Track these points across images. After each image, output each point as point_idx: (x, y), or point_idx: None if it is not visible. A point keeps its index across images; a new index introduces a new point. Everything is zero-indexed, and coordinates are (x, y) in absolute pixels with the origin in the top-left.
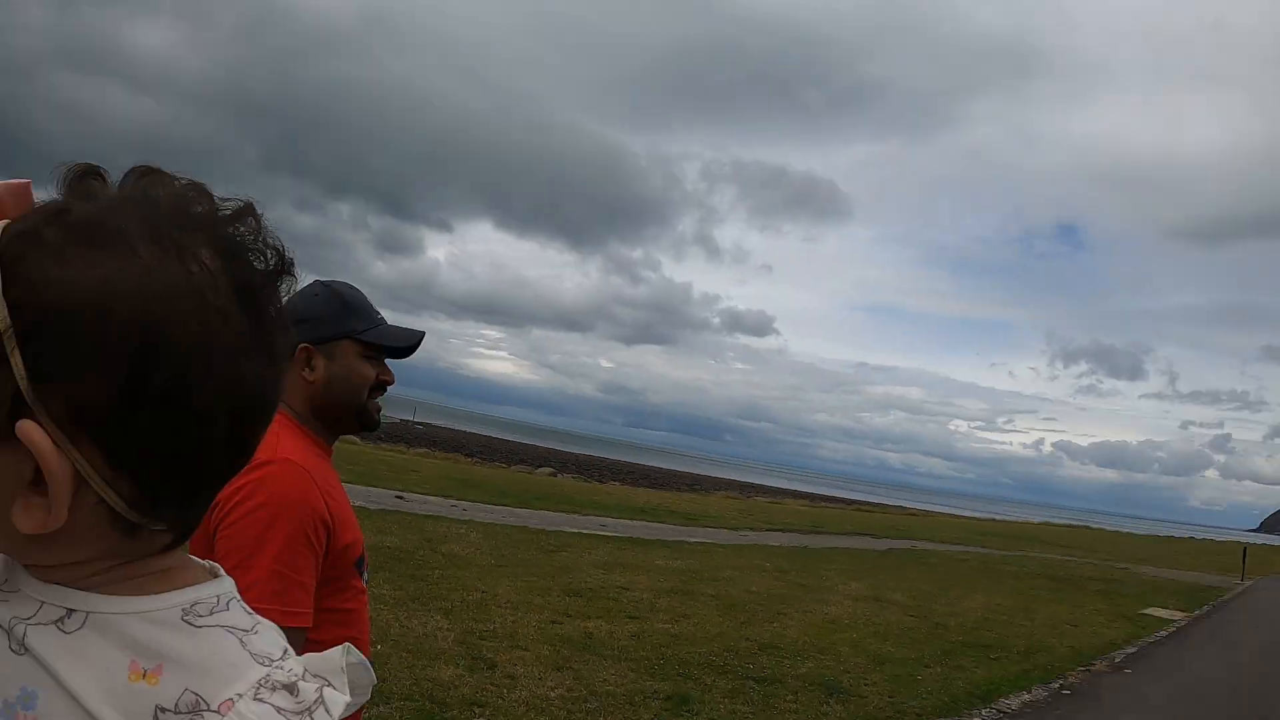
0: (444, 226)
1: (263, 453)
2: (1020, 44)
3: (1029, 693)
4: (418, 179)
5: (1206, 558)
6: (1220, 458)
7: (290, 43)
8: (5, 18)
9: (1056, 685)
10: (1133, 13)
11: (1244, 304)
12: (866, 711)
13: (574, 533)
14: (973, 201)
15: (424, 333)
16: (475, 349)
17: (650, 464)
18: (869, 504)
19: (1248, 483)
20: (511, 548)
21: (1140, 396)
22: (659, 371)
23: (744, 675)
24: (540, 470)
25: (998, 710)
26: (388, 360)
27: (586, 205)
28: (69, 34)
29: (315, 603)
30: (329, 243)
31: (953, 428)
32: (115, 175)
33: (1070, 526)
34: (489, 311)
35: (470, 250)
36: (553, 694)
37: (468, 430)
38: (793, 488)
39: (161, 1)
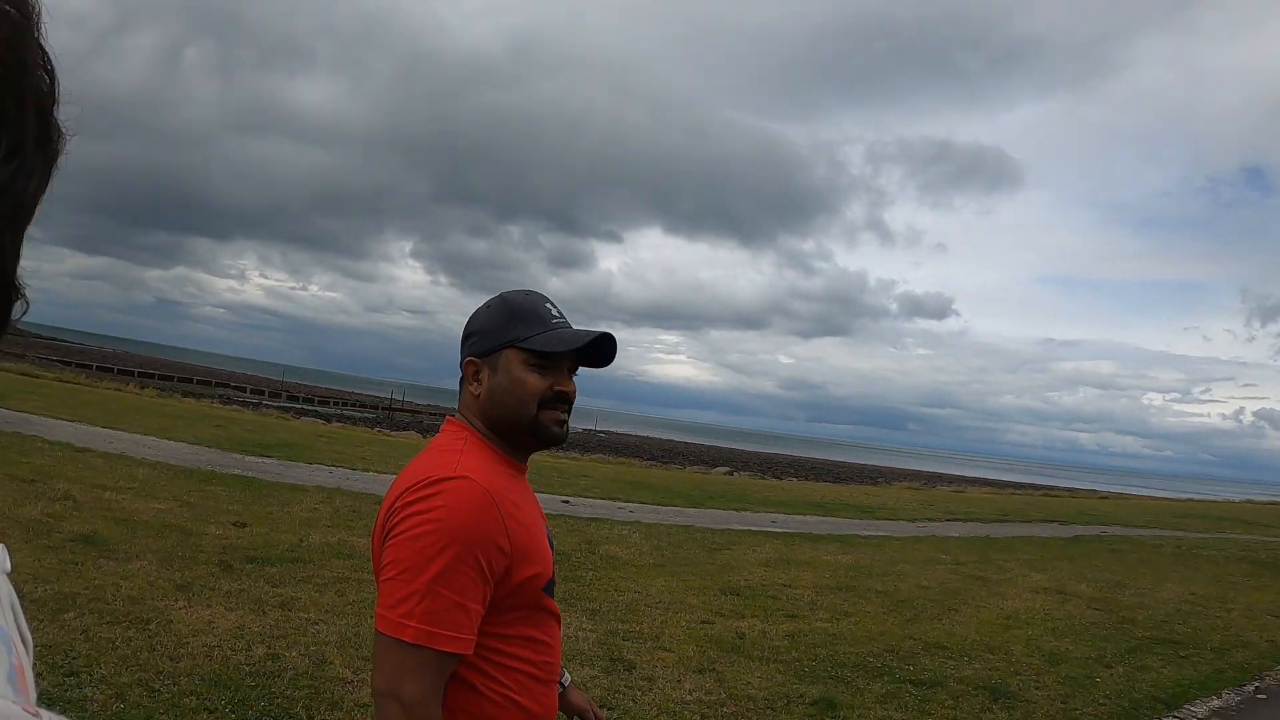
0: (614, 237)
1: (443, 469)
2: None
3: (1219, 697)
4: (583, 194)
5: None
6: None
7: (444, 80)
8: (177, 93)
9: (1251, 688)
10: None
11: None
12: (1033, 718)
13: (742, 530)
14: (1150, 153)
15: (604, 332)
16: (654, 355)
17: (831, 458)
18: (1059, 489)
19: None
20: (674, 548)
21: None
22: (839, 363)
23: (902, 678)
24: (716, 470)
25: (1181, 717)
26: (585, 368)
27: (753, 201)
28: (235, 100)
29: (505, 628)
30: (503, 264)
31: (1147, 401)
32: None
33: (1276, 503)
34: (665, 317)
35: (642, 258)
36: (689, 697)
37: (648, 435)
38: (979, 475)
39: (316, 59)
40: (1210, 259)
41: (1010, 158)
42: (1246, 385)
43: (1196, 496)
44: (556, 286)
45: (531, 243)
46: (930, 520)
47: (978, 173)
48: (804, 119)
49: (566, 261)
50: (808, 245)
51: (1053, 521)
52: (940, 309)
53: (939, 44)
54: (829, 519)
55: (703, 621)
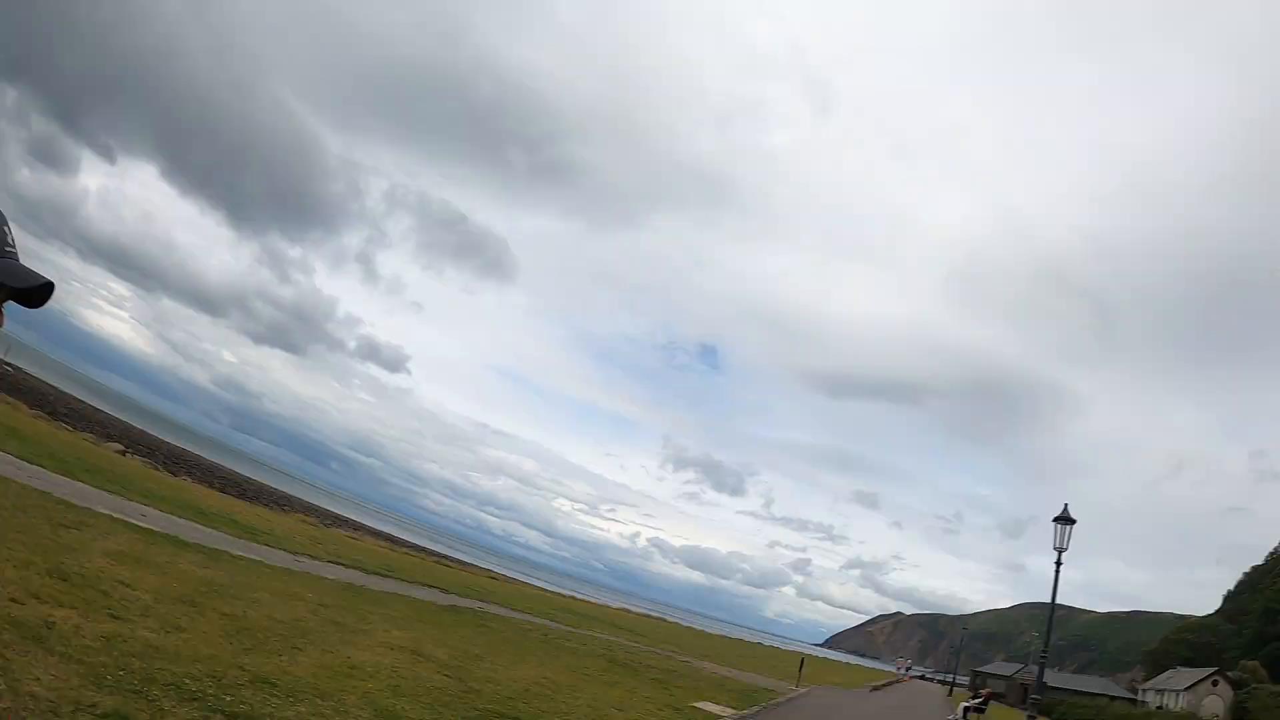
0: (108, 155)
1: None
2: (722, 175)
3: None
4: (100, 92)
5: (769, 662)
6: (799, 578)
7: None
8: None
9: None
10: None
11: (844, 451)
12: None
13: (105, 513)
14: (632, 302)
15: (50, 282)
16: (97, 301)
17: (242, 470)
18: (454, 560)
19: (819, 603)
20: (15, 511)
21: (737, 511)
22: (281, 379)
23: (215, 707)
24: (109, 444)
25: None
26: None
27: (262, 185)
28: None
29: None
30: None
31: (557, 505)
32: None
33: (647, 615)
34: (123, 264)
35: (126, 191)
36: None
37: (59, 387)
38: (381, 528)
39: None
40: (648, 405)
41: (512, 254)
42: (647, 514)
43: (579, 595)
44: (25, 180)
45: (22, 118)
46: (313, 557)
47: (479, 254)
48: (347, 130)
49: (48, 159)
50: (294, 252)
51: (435, 587)
52: (395, 362)
53: (500, 129)
54: (206, 529)
55: (12, 599)
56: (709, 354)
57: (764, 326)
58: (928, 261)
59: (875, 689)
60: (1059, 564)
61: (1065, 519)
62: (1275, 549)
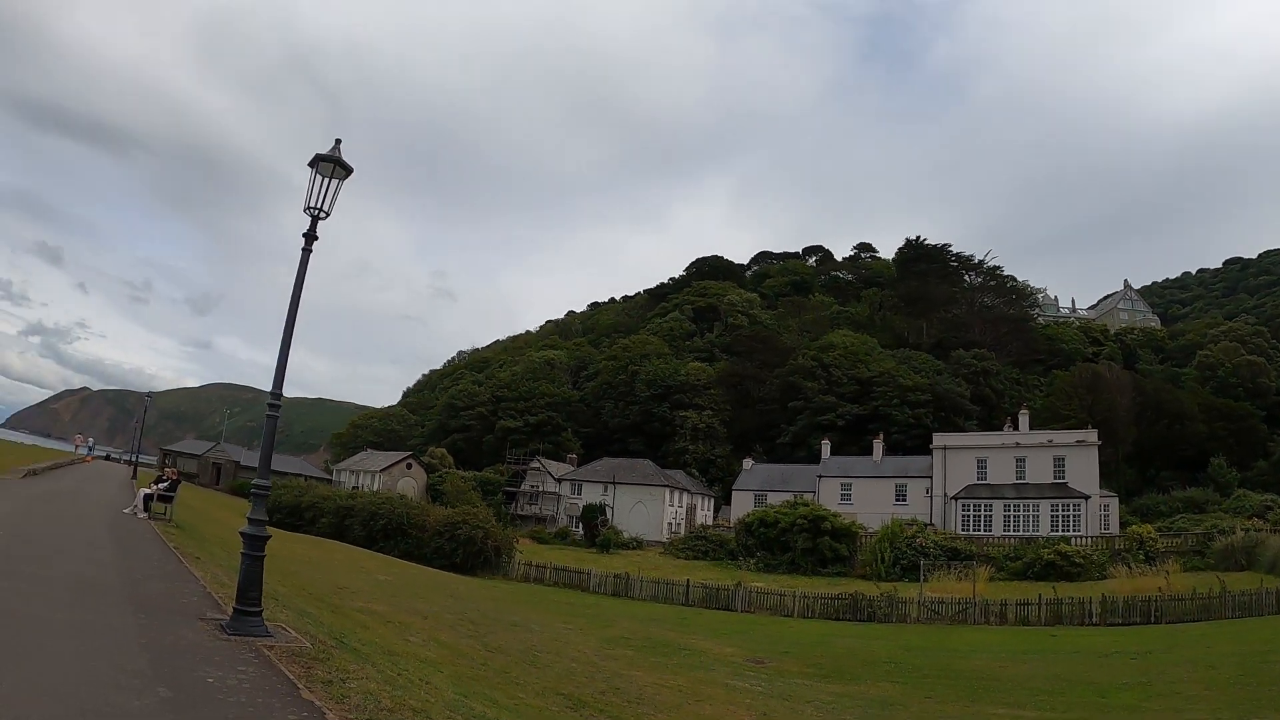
0: None
1: None
2: None
3: None
4: None
5: None
6: None
7: None
8: None
9: None
10: None
11: (33, 193)
12: None
13: None
14: None
15: None
16: None
17: None
18: None
19: None
20: None
21: None
22: None
23: None
24: None
25: None
26: None
27: None
28: None
29: None
30: None
31: None
32: None
33: None
34: None
35: None
36: None
37: None
38: None
39: None
40: None
41: None
42: None
43: None
44: None
45: None
46: None
47: None
48: None
49: None
50: None
51: None
52: None
53: None
54: None
55: None
56: None
57: None
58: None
59: (32, 474)
60: (315, 218)
61: (333, 160)
62: (453, 357)
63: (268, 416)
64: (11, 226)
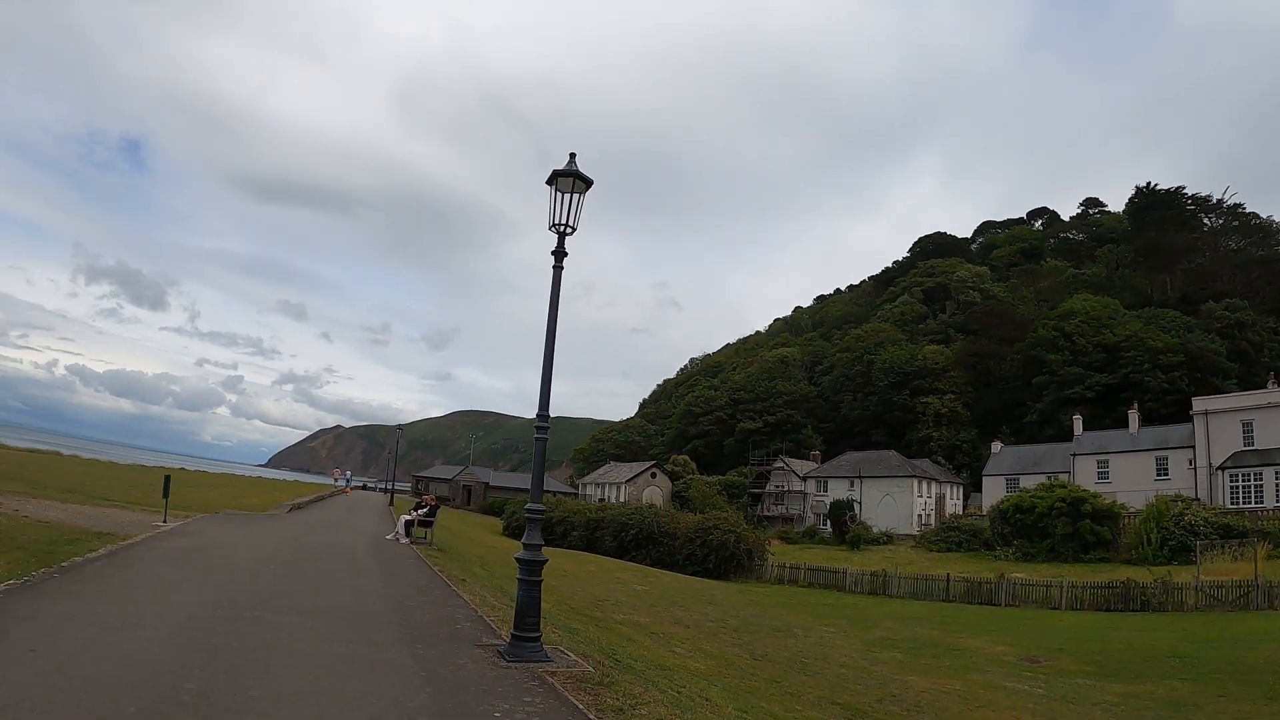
0: None
1: None
2: None
3: None
4: None
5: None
6: (233, 397)
7: None
8: None
9: None
10: None
11: (271, 260)
12: None
13: None
14: (80, 83)
15: None
16: None
17: None
18: None
19: (257, 422)
20: None
21: (161, 328)
22: None
23: None
24: None
25: None
26: None
27: None
28: None
29: None
30: None
31: None
32: None
33: (34, 451)
34: None
35: None
36: None
37: None
38: None
39: None
40: (58, 207)
41: None
42: (64, 338)
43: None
44: None
45: None
46: None
47: None
48: None
49: None
50: None
51: None
52: None
53: None
54: None
55: None
56: (132, 149)
57: (196, 122)
58: (376, 69)
59: (297, 508)
60: (562, 234)
61: (572, 174)
62: (685, 365)
63: (536, 439)
64: (256, 291)
